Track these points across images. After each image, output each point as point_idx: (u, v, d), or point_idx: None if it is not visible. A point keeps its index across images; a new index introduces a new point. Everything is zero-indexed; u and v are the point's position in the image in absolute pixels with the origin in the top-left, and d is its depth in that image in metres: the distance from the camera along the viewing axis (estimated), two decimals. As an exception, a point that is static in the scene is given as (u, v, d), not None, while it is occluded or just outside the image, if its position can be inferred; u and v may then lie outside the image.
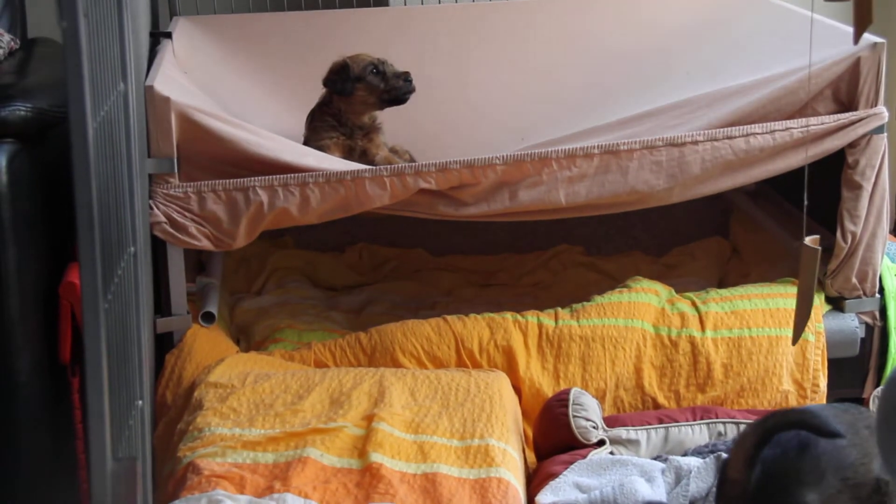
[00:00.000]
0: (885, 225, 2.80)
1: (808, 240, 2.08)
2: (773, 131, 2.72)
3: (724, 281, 3.25)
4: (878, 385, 2.84)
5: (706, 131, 2.72)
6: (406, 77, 3.00)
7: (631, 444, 2.51)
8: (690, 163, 2.72)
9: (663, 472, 2.34)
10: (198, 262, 3.06)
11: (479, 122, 3.34)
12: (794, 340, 2.24)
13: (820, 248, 2.08)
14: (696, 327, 2.74)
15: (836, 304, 2.86)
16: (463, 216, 2.74)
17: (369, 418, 2.35)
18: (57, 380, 2.57)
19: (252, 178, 2.62)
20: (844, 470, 1.96)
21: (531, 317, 2.76)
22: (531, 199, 2.71)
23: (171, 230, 2.60)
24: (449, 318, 2.75)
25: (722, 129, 2.72)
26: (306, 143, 2.99)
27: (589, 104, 3.29)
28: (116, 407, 1.73)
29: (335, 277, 3.40)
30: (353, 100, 2.99)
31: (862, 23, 1.89)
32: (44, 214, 2.58)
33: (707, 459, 2.34)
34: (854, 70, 2.71)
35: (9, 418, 2.49)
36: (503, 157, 2.68)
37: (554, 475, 2.35)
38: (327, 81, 3.02)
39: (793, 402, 2.72)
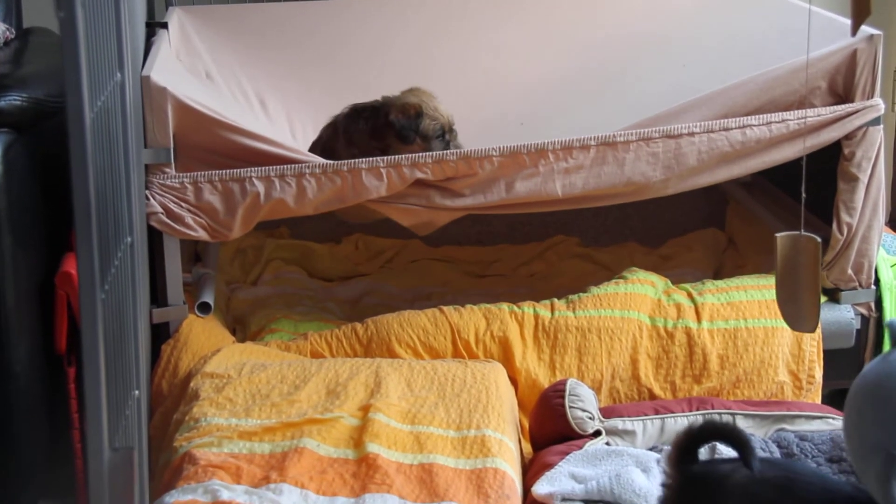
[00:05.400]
0: (881, 216, 2.80)
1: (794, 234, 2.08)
2: (769, 123, 2.72)
3: (719, 272, 3.25)
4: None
5: (702, 123, 2.72)
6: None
7: (627, 434, 2.52)
8: (687, 154, 2.72)
9: (659, 462, 2.35)
10: (194, 252, 3.06)
11: (477, 108, 3.33)
12: (811, 328, 2.22)
13: (819, 240, 2.07)
14: (692, 318, 2.74)
15: (832, 295, 2.87)
16: (459, 208, 2.73)
17: (366, 409, 2.36)
18: (53, 370, 2.57)
19: (248, 169, 2.62)
20: None
21: (527, 308, 2.76)
22: (527, 191, 2.71)
23: (167, 220, 2.60)
24: (445, 308, 2.75)
25: (718, 121, 2.72)
26: (323, 152, 2.85)
27: (587, 91, 3.29)
28: (113, 397, 1.73)
29: (331, 268, 3.40)
30: (401, 145, 2.86)
31: (860, 14, 1.89)
32: (40, 204, 2.58)
33: (702, 450, 2.34)
34: (850, 62, 2.71)
35: (5, 408, 2.48)
36: (500, 148, 2.68)
37: (550, 465, 2.35)
38: (395, 122, 2.86)
39: (788, 393, 2.73)
